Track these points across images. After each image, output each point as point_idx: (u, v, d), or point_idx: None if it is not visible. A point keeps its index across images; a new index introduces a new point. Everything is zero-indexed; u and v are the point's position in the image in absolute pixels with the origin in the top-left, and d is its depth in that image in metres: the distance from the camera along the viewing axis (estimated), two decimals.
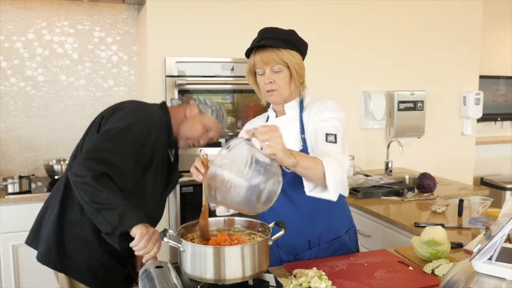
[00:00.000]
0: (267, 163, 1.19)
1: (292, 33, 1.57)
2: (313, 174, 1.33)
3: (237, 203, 1.17)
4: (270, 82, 1.54)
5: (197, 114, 1.84)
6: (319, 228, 1.61)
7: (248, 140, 1.22)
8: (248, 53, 1.59)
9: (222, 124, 1.90)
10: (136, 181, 1.64)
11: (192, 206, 2.80)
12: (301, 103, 1.64)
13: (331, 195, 1.36)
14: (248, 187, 1.14)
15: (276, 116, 1.67)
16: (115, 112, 1.70)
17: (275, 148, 1.21)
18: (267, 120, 1.69)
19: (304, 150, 1.57)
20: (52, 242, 1.67)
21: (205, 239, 1.33)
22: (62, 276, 1.69)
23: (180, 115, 1.83)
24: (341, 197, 1.53)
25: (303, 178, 1.38)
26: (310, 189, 1.40)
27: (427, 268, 1.44)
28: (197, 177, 1.34)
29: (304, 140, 1.58)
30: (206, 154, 1.36)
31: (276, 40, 1.52)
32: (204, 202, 1.34)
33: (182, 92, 2.73)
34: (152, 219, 1.72)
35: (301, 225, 1.59)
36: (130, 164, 1.57)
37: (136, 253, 1.43)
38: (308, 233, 1.61)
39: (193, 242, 1.27)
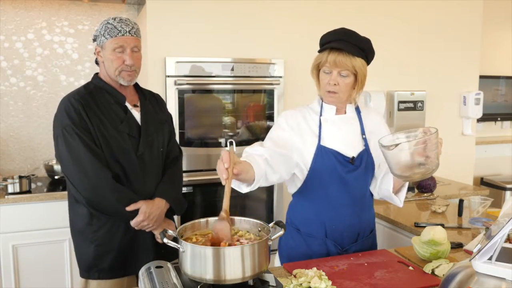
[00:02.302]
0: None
1: (368, 42, 1.63)
2: (405, 183, 1.64)
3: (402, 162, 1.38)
4: (335, 85, 1.58)
5: (102, 51, 1.81)
6: (366, 221, 1.73)
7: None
8: (320, 49, 1.63)
9: (121, 30, 1.76)
10: (101, 146, 1.75)
11: (193, 206, 2.80)
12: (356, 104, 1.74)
13: (401, 202, 1.66)
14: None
15: (336, 113, 1.69)
16: None
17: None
18: (321, 115, 1.68)
19: (367, 149, 1.67)
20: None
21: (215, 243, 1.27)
22: (87, 281, 1.84)
23: (102, 67, 1.85)
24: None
25: (391, 182, 1.60)
26: (391, 191, 1.62)
27: (427, 268, 1.44)
28: (221, 175, 1.26)
29: (365, 140, 1.67)
30: (232, 142, 1.29)
31: (353, 45, 1.56)
32: (225, 206, 1.28)
33: (182, 92, 2.73)
34: (136, 176, 1.81)
35: (353, 219, 1.68)
36: (82, 146, 1.70)
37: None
38: (359, 227, 1.70)
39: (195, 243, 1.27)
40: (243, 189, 1.45)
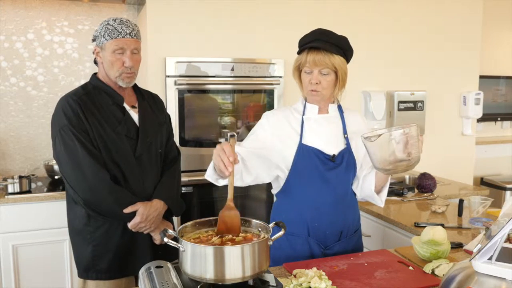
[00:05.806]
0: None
1: (345, 40, 1.64)
2: (386, 184, 1.66)
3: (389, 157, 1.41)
4: (316, 83, 1.61)
5: (101, 52, 1.80)
6: (350, 220, 1.72)
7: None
8: (299, 50, 1.66)
9: (121, 31, 1.75)
10: (99, 147, 1.74)
11: (193, 207, 2.80)
12: (339, 105, 1.76)
13: (383, 202, 1.69)
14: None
15: (318, 113, 1.71)
16: None
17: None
18: (303, 114, 1.70)
19: (348, 148, 1.68)
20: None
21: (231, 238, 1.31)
22: (85, 282, 1.84)
23: (101, 67, 1.84)
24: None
25: (374, 181, 1.63)
26: (373, 190, 1.66)
27: (427, 268, 1.44)
28: (225, 168, 1.28)
29: (347, 139, 1.69)
30: (234, 135, 1.31)
31: (330, 44, 1.59)
32: (230, 196, 1.32)
33: (182, 92, 2.73)
34: (135, 178, 1.80)
35: (336, 217, 1.68)
36: (79, 147, 1.69)
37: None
38: (342, 225, 1.70)
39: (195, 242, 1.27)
40: (221, 182, 1.46)
